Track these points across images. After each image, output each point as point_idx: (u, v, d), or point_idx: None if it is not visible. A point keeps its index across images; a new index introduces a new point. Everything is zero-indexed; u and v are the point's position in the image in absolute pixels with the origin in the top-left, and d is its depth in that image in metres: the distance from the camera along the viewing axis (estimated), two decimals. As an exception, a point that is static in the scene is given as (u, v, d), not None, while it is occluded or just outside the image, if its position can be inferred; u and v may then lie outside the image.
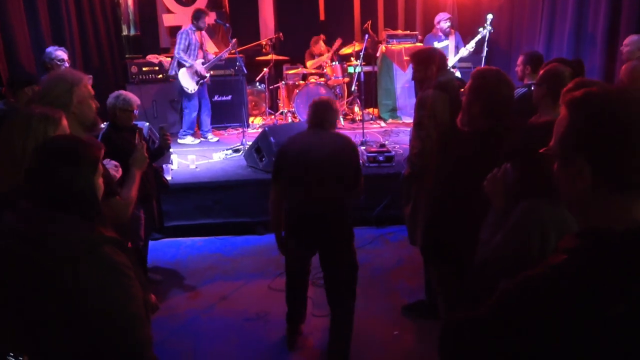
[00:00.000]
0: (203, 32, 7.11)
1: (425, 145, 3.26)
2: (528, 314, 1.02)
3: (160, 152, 4.27)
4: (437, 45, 7.16)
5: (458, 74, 6.88)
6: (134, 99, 3.88)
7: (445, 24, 7.28)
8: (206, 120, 7.28)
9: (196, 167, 5.86)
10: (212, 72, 7.18)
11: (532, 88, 3.41)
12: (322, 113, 3.14)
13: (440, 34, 7.36)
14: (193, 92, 6.91)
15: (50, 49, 4.88)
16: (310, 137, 3.13)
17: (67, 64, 4.87)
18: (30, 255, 1.51)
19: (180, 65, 6.84)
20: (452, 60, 7.06)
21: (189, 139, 7.12)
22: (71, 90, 2.33)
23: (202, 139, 7.28)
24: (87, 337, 1.51)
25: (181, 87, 6.92)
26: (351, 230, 3.25)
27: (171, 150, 6.07)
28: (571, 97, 1.10)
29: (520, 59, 4.31)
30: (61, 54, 4.83)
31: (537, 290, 1.03)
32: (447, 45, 7.23)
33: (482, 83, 2.45)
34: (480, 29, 6.46)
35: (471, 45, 6.62)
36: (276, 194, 3.20)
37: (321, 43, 8.32)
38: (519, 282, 1.08)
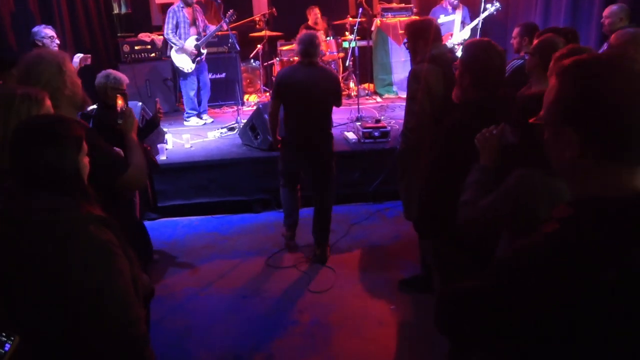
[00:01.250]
0: (196, 6, 6.87)
1: (419, 119, 3.23)
2: (525, 283, 1.02)
3: (152, 126, 4.18)
4: (443, 18, 7.00)
5: (460, 50, 6.79)
6: (124, 77, 3.83)
7: None
8: (203, 100, 7.08)
9: (191, 146, 5.83)
10: (205, 50, 7.05)
11: (526, 58, 3.37)
12: (309, 50, 3.98)
13: (448, 6, 7.17)
14: (190, 70, 6.74)
15: (37, 28, 4.80)
16: (303, 73, 4.02)
17: (57, 41, 4.80)
18: (17, 236, 1.50)
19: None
20: (457, 36, 6.93)
21: (193, 120, 6.96)
22: (61, 72, 2.21)
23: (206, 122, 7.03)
24: (76, 316, 1.51)
25: (177, 67, 6.80)
26: (333, 148, 4.26)
27: (165, 129, 6.05)
28: (561, 66, 1.09)
29: (516, 31, 4.25)
30: (50, 31, 4.77)
31: (533, 259, 1.03)
32: (454, 20, 7.08)
33: (471, 55, 2.42)
34: (488, 6, 6.33)
35: (478, 22, 6.49)
36: (274, 108, 4.14)
37: (316, 11, 8.16)
38: (514, 251, 1.08)
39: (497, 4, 6.31)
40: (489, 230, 1.86)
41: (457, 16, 7.10)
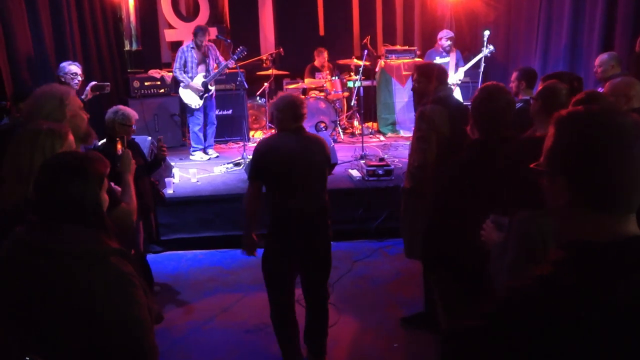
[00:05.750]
0: (211, 45, 7.04)
1: (426, 158, 3.33)
2: (519, 322, 1.07)
3: (157, 164, 4.31)
4: (438, 60, 7.22)
5: (458, 90, 6.99)
6: (133, 113, 3.93)
7: (447, 42, 7.33)
8: (208, 136, 7.22)
9: (197, 181, 5.92)
10: (214, 87, 7.21)
11: (531, 102, 3.47)
12: (297, 116, 3.14)
13: (442, 50, 7.45)
14: (198, 107, 6.90)
15: (63, 64, 5.00)
16: (291, 143, 3.12)
17: (80, 78, 4.96)
18: (42, 266, 1.56)
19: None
20: (452, 77, 7.14)
21: (198, 155, 7.09)
22: (62, 105, 2.33)
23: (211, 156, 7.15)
24: (97, 344, 1.56)
25: (185, 103, 6.97)
26: (331, 230, 3.32)
27: (173, 164, 6.15)
28: (558, 116, 1.15)
29: (514, 75, 4.38)
30: (74, 68, 4.94)
31: (525, 300, 1.08)
32: (448, 62, 7.31)
33: (476, 97, 2.54)
34: (483, 49, 6.55)
35: (472, 64, 6.71)
36: (253, 192, 3.22)
37: (324, 55, 8.40)
38: (507, 295, 1.13)
39: (491, 47, 6.56)
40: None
41: (451, 60, 7.36)
